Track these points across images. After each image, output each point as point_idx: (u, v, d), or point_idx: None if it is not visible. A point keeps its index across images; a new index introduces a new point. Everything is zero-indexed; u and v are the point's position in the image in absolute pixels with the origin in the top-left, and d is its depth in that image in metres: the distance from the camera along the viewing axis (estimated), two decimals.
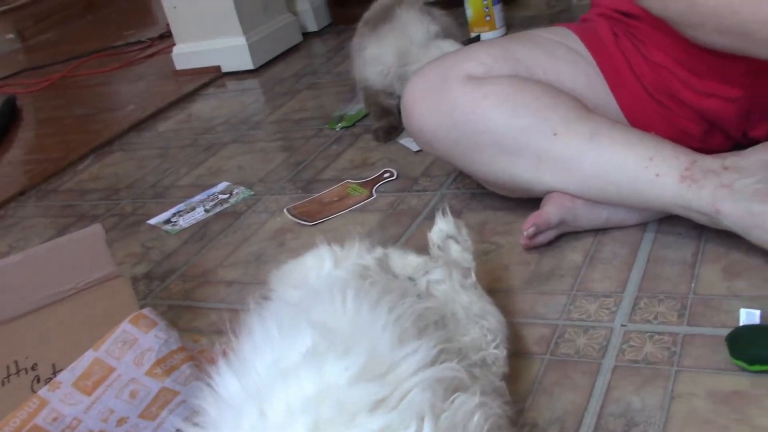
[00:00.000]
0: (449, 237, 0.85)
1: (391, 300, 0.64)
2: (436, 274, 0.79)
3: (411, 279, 0.80)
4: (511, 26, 2.00)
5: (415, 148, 1.41)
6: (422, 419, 0.53)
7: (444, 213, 0.87)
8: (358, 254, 0.79)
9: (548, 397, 0.76)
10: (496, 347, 0.73)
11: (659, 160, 0.92)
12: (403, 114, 1.10)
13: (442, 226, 0.86)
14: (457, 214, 1.16)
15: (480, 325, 0.75)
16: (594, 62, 1.08)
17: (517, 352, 0.83)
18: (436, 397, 0.56)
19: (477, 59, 1.05)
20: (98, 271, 0.93)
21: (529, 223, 0.99)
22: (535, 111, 1.00)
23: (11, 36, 4.03)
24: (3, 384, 0.84)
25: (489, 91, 1.02)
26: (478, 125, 1.01)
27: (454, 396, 0.57)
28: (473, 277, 0.82)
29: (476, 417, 0.56)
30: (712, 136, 1.06)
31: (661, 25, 1.03)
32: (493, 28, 1.93)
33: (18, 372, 0.85)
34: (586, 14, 1.19)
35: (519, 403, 0.75)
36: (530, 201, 1.06)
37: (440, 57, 1.13)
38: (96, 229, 0.95)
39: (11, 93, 2.60)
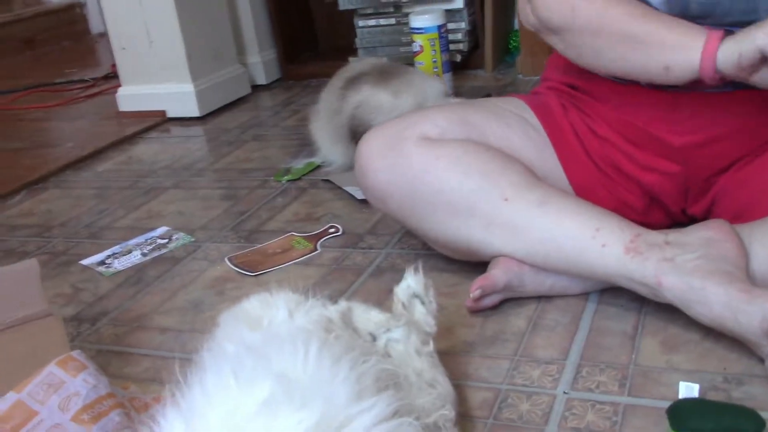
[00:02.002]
0: (415, 296, 0.84)
1: (354, 357, 0.63)
2: (397, 333, 0.78)
3: (371, 335, 0.79)
4: (458, 95, 2.04)
5: (359, 196, 1.41)
6: None
7: (416, 270, 0.86)
8: (320, 305, 0.78)
9: None
10: (446, 410, 0.72)
11: (606, 231, 0.94)
12: (356, 168, 1.10)
13: (411, 283, 0.85)
14: (401, 272, 1.15)
15: (429, 392, 0.74)
16: (544, 132, 1.11)
17: (460, 414, 0.82)
18: None
19: (433, 121, 1.07)
20: (29, 308, 0.88)
21: (476, 286, 0.99)
22: (486, 174, 1.02)
23: None
24: None
25: (442, 153, 1.03)
26: (430, 185, 1.02)
27: None
28: (431, 345, 0.81)
29: None
30: (653, 211, 1.10)
31: (605, 99, 1.07)
32: None
33: None
34: (537, 87, 1.23)
35: None
36: (476, 265, 1.07)
37: (397, 117, 1.15)
38: (31, 264, 0.91)
39: None
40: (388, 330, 0.79)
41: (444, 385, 0.78)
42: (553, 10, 1.00)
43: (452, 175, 1.02)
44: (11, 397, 0.80)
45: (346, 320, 0.79)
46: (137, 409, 0.88)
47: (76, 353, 0.85)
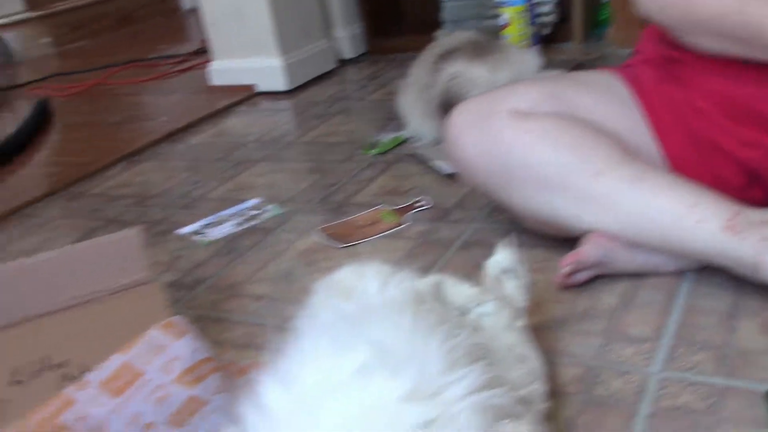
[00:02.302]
0: (507, 271, 0.84)
1: (446, 330, 0.64)
2: (488, 307, 0.79)
3: (462, 309, 0.79)
4: (546, 68, 2.01)
5: (447, 170, 1.41)
6: None
7: (507, 244, 0.86)
8: (411, 277, 0.79)
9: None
10: (536, 385, 0.73)
11: (702, 207, 0.92)
12: (446, 142, 1.10)
13: (502, 257, 0.85)
14: (490, 247, 1.15)
15: (519, 366, 0.75)
16: (638, 107, 1.08)
17: (551, 390, 0.82)
18: (486, 422, 0.55)
19: (524, 95, 1.06)
20: (133, 274, 0.93)
21: (566, 261, 0.98)
22: (578, 149, 1.00)
23: (46, 40, 4.09)
24: (31, 378, 0.84)
25: (533, 127, 1.02)
26: (520, 159, 1.01)
27: (504, 422, 0.57)
28: (522, 320, 0.81)
29: None
30: (753, 189, 1.06)
31: (707, 71, 1.04)
32: None
33: (49, 368, 0.84)
34: (630, 60, 1.20)
35: None
36: (565, 240, 1.06)
37: (485, 92, 1.14)
38: (133, 233, 0.95)
39: (44, 96, 2.63)
40: (479, 304, 0.79)
41: (534, 360, 0.78)
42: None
43: (543, 149, 1.01)
44: (118, 358, 0.84)
45: (437, 293, 0.79)
46: (235, 374, 0.92)
47: (176, 319, 0.88)
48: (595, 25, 2.31)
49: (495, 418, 0.57)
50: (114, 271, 0.92)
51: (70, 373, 0.83)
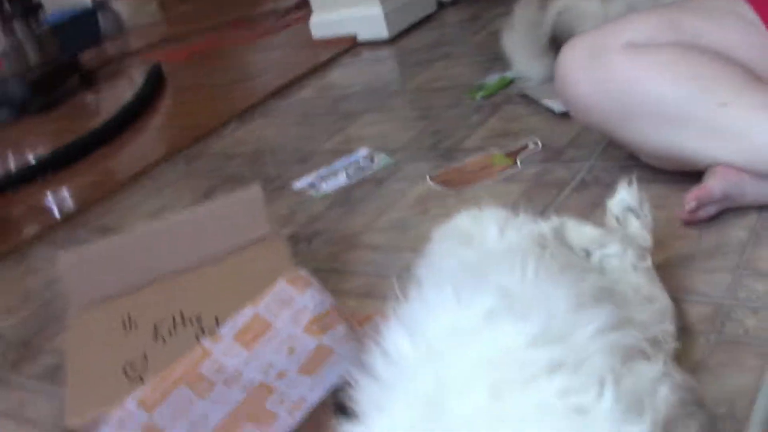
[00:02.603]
0: (630, 210, 0.82)
1: (573, 275, 0.63)
2: (612, 249, 0.77)
3: (585, 251, 0.78)
4: None
5: (557, 109, 1.38)
6: (602, 384, 0.52)
7: (629, 183, 0.84)
8: (531, 220, 0.78)
9: (715, 377, 0.73)
10: (666, 325, 0.71)
11: None
12: (556, 81, 1.07)
13: (625, 196, 0.83)
14: (607, 186, 1.12)
15: (647, 307, 0.73)
16: (764, 30, 1.02)
17: (680, 329, 0.80)
18: (617, 363, 0.55)
19: (639, 27, 1.01)
20: (257, 231, 0.96)
21: (691, 197, 0.95)
22: (700, 80, 0.96)
23: (153, 8, 4.22)
24: (170, 333, 0.89)
25: (650, 60, 0.98)
26: (638, 95, 0.98)
27: (636, 362, 0.56)
28: (648, 260, 0.79)
29: (663, 389, 0.54)
30: None
31: None
32: None
33: (183, 322, 0.89)
34: None
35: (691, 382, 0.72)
36: (686, 174, 1.02)
37: (598, 27, 1.10)
38: (255, 191, 0.98)
39: (156, 61, 2.73)
40: (603, 245, 0.78)
41: (662, 300, 0.76)
42: None
43: (662, 83, 0.97)
44: (250, 310, 0.88)
45: (559, 236, 0.78)
46: (358, 323, 0.94)
47: (302, 271, 0.91)
48: None
49: (625, 358, 0.56)
50: (239, 228, 0.96)
51: (206, 326, 0.88)
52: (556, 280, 0.62)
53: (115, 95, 2.66)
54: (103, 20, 3.74)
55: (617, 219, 0.83)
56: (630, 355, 0.57)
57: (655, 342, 0.70)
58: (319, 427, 0.77)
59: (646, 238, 0.81)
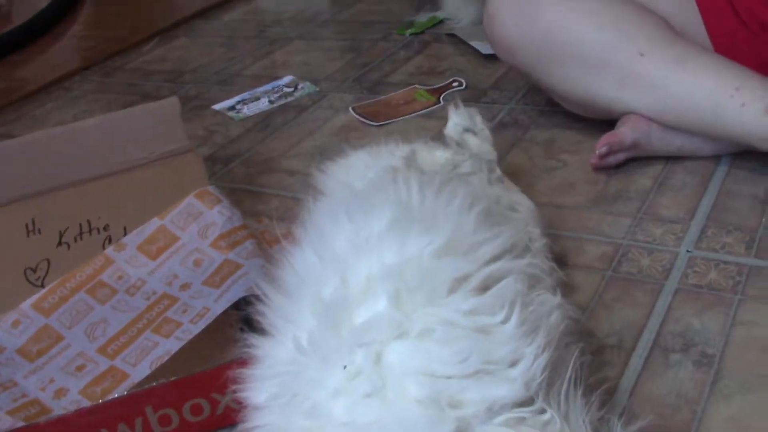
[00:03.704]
0: (466, 130, 0.85)
1: (453, 188, 0.65)
2: (466, 167, 0.79)
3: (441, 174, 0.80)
4: None
5: (485, 51, 1.39)
6: (511, 308, 0.54)
7: (456, 105, 0.87)
8: (389, 153, 0.80)
9: (607, 311, 0.77)
10: (531, 227, 0.74)
11: (746, 90, 0.90)
12: (485, 19, 1.08)
13: (457, 119, 0.86)
14: (524, 128, 1.15)
15: (512, 216, 0.76)
16: None
17: (578, 265, 0.84)
18: (524, 289, 0.57)
19: None
20: (172, 143, 0.94)
21: (602, 142, 0.98)
22: (622, 28, 0.98)
23: None
24: (75, 240, 0.87)
25: (576, 5, 1.00)
26: (562, 37, 0.99)
27: (538, 292, 0.58)
28: (498, 171, 0.82)
29: (553, 316, 0.57)
30: None
31: None
32: None
33: (90, 231, 0.87)
34: None
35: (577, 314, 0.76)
36: (601, 122, 1.05)
37: None
38: (172, 102, 0.96)
39: None
40: (456, 166, 0.80)
41: (525, 204, 0.79)
42: None
43: (586, 27, 0.98)
44: (155, 222, 0.87)
45: (411, 163, 0.80)
46: (268, 242, 0.94)
47: (211, 188, 0.90)
48: None
49: (530, 284, 0.59)
50: (153, 139, 0.94)
51: (114, 236, 0.86)
52: (448, 197, 0.63)
53: (30, 1, 2.53)
54: None
55: (457, 143, 0.85)
56: (532, 282, 0.60)
57: (525, 245, 0.71)
58: (224, 341, 0.77)
59: (488, 151, 0.84)
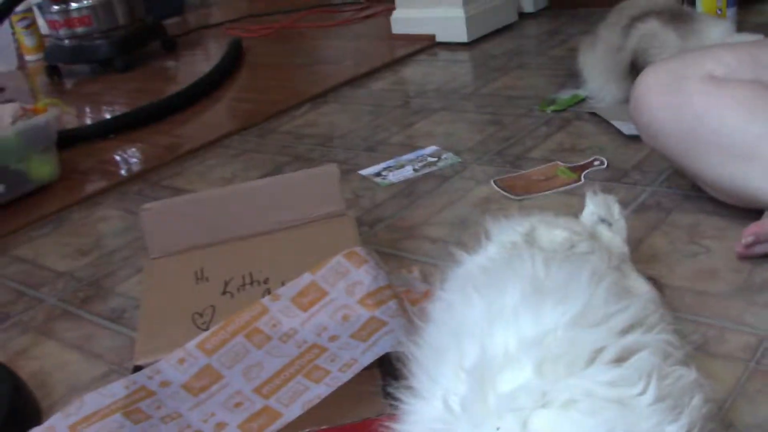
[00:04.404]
0: (601, 220, 0.86)
1: (577, 263, 0.67)
2: (582, 247, 0.81)
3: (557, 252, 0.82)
4: (741, 31, 1.92)
5: (627, 131, 1.41)
6: (648, 380, 0.56)
7: (594, 192, 0.87)
8: (506, 232, 0.83)
9: (750, 402, 0.76)
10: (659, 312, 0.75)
11: None
12: (631, 104, 1.11)
13: (593, 208, 0.87)
14: (667, 211, 1.15)
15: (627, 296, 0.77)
16: None
17: (719, 354, 0.83)
18: (660, 361, 0.59)
19: (720, 59, 1.04)
20: (330, 206, 1.02)
21: (749, 231, 0.97)
22: None
23: None
24: (238, 290, 0.95)
25: (728, 93, 1.01)
26: (710, 125, 1.00)
27: (674, 367, 0.60)
28: (629, 264, 0.82)
29: (696, 398, 0.58)
30: None
31: None
32: None
33: (252, 282, 0.95)
34: None
35: (717, 403, 0.76)
36: (748, 210, 1.05)
37: (679, 54, 1.13)
38: (331, 169, 1.04)
39: (237, 36, 2.81)
40: (573, 246, 0.81)
41: (642, 289, 0.79)
42: None
43: (736, 116, 0.99)
44: (307, 277, 0.94)
45: (530, 241, 0.82)
46: (411, 301, 0.99)
47: (358, 249, 0.97)
48: None
49: (665, 358, 0.60)
50: (313, 201, 1.02)
51: (271, 289, 0.94)
52: (575, 271, 0.66)
53: (194, 64, 2.75)
54: None
55: (590, 234, 0.86)
56: (667, 355, 0.61)
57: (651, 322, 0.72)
58: (366, 395, 0.82)
59: (619, 245, 0.84)
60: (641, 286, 0.84)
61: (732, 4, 1.88)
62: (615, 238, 0.87)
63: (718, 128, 1.00)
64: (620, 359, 0.59)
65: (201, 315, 0.91)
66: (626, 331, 0.62)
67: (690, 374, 0.61)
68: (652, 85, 1.07)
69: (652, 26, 1.48)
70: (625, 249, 0.87)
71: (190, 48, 2.96)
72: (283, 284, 0.93)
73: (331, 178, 1.03)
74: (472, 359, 0.61)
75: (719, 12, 1.86)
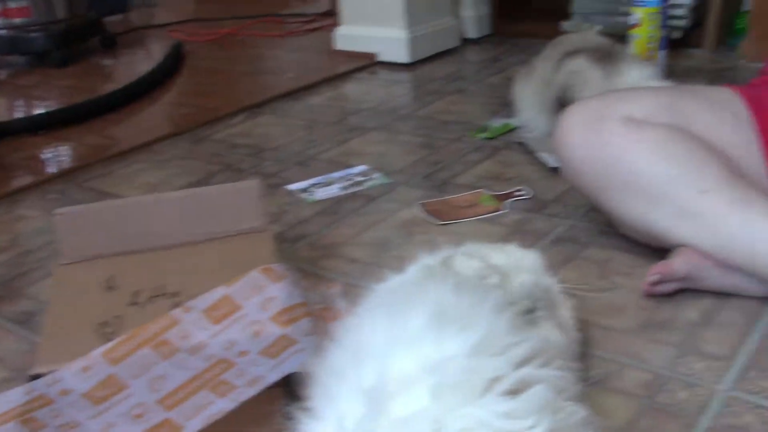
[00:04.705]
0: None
1: (485, 291, 0.69)
2: (493, 279, 0.83)
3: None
4: (671, 74, 1.99)
5: (552, 163, 1.44)
6: (541, 414, 0.57)
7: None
8: (428, 257, 0.86)
9: None
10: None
11: None
12: (554, 138, 1.13)
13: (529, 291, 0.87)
14: (582, 246, 1.19)
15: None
16: (754, 129, 1.08)
17: (617, 389, 0.86)
18: (553, 396, 0.60)
19: (640, 102, 1.08)
20: (249, 222, 1.01)
21: (654, 271, 1.01)
22: (688, 164, 1.02)
23: None
24: (147, 302, 0.93)
25: (645, 136, 1.04)
26: (626, 166, 1.04)
27: (566, 403, 0.61)
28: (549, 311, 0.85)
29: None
30: None
31: None
32: None
33: (162, 295, 0.94)
34: (755, 79, 1.19)
35: None
36: (657, 249, 1.08)
37: (604, 94, 1.16)
38: (254, 184, 1.04)
39: (180, 39, 2.78)
40: (484, 278, 0.84)
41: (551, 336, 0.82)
42: None
43: (651, 159, 1.03)
44: (221, 290, 0.93)
45: (447, 266, 0.84)
46: (326, 319, 0.99)
47: (276, 265, 0.96)
48: (729, 35, 2.25)
49: (557, 393, 0.62)
50: (232, 216, 1.01)
51: (181, 303, 0.92)
52: (481, 299, 0.67)
53: (133, 64, 2.71)
54: None
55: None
56: (561, 390, 0.63)
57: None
58: (267, 413, 0.82)
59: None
60: (550, 334, 0.85)
61: (663, 47, 1.95)
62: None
63: (632, 169, 1.03)
64: (516, 391, 0.60)
65: (107, 325, 0.90)
66: (524, 362, 0.63)
67: (581, 411, 0.62)
68: (574, 123, 1.10)
69: (579, 63, 1.53)
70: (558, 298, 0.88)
71: (130, 47, 2.92)
72: (194, 297, 0.92)
73: (253, 194, 1.02)
74: (370, 382, 0.62)
75: (651, 53, 1.92)
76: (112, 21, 3.20)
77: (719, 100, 1.12)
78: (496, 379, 0.60)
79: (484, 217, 1.30)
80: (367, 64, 2.34)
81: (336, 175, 1.53)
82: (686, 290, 1.03)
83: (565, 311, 0.89)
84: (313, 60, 2.49)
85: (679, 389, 0.86)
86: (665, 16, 1.94)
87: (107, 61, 2.75)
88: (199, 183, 1.56)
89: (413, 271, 0.86)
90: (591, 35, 1.64)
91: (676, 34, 2.13)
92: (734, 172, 1.03)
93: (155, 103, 2.18)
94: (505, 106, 1.82)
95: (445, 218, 1.31)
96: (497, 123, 1.74)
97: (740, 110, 1.10)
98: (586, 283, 1.08)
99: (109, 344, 0.87)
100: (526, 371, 0.62)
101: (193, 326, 0.90)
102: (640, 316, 1.00)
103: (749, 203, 0.98)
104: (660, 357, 0.91)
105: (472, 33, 2.53)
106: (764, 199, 0.99)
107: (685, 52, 2.18)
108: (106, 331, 0.90)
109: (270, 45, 2.75)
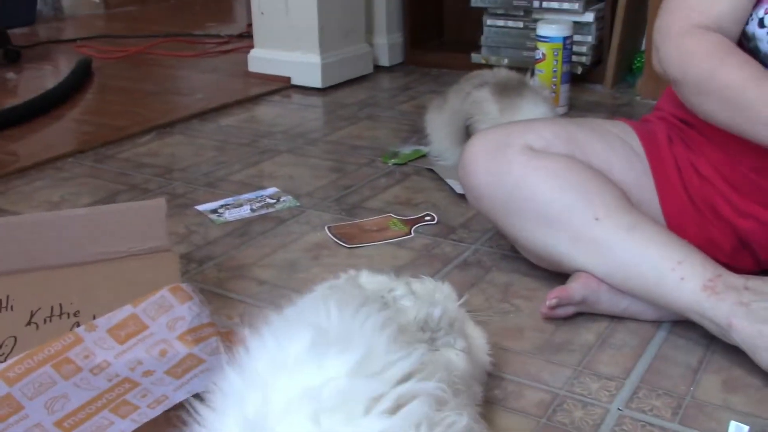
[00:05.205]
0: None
1: (372, 308, 0.71)
2: (399, 290, 0.85)
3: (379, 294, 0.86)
4: (573, 107, 2.08)
5: (459, 190, 1.47)
6: (419, 430, 0.58)
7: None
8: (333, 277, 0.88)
9: None
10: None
11: (687, 265, 0.98)
12: (459, 166, 1.17)
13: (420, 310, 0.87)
14: (486, 270, 1.22)
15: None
16: (646, 161, 1.14)
17: (515, 409, 0.88)
18: (432, 411, 0.62)
19: (539, 133, 1.12)
20: (152, 241, 1.00)
21: (553, 295, 1.04)
22: (582, 192, 1.07)
23: (97, 1, 4.18)
24: (45, 322, 0.91)
25: (543, 164, 1.09)
26: (526, 193, 1.08)
27: (445, 414, 0.63)
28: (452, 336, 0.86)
29: None
30: (741, 255, 1.12)
31: (714, 138, 1.10)
32: (556, 104, 2.01)
33: (61, 314, 0.91)
34: (648, 115, 1.26)
35: None
36: (557, 274, 1.12)
37: (506, 124, 1.20)
38: (159, 203, 1.02)
39: (88, 55, 2.71)
40: (392, 290, 0.86)
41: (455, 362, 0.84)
42: (671, 63, 1.03)
43: (549, 187, 1.07)
44: (128, 309, 0.92)
45: (353, 283, 0.86)
46: (233, 342, 0.98)
47: (184, 285, 0.95)
48: (628, 72, 2.37)
49: (437, 406, 0.63)
50: (136, 235, 0.99)
51: (82, 322, 0.90)
52: (362, 317, 0.69)
53: (37, 78, 2.63)
54: (41, 0, 3.68)
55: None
56: (442, 403, 0.65)
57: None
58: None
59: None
60: (456, 359, 0.87)
61: (565, 81, 2.03)
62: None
63: (531, 196, 1.07)
64: (398, 407, 0.62)
65: (0, 346, 0.87)
66: (405, 379, 0.65)
67: (462, 420, 0.64)
68: (478, 151, 1.13)
69: (482, 95, 1.58)
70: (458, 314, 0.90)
71: (36, 61, 2.83)
72: (94, 318, 0.90)
73: (158, 213, 1.01)
74: (253, 411, 0.62)
75: (554, 87, 2.00)
76: (18, 33, 3.09)
77: (615, 133, 1.17)
78: (376, 399, 0.61)
79: (393, 241, 1.32)
80: (281, 87, 2.34)
81: (246, 196, 1.52)
82: (583, 314, 1.07)
83: (479, 339, 0.91)
84: (227, 81, 2.48)
85: (575, 408, 0.89)
86: (569, 53, 2.03)
87: (10, 75, 2.65)
88: (103, 202, 1.52)
89: (318, 291, 0.87)
90: (504, 70, 1.69)
91: (579, 70, 2.23)
92: (625, 199, 1.08)
93: (60, 119, 2.12)
94: (415, 132, 1.86)
95: (353, 242, 1.32)
96: (407, 149, 1.77)
97: (634, 144, 1.16)
98: (490, 307, 1.11)
99: (7, 363, 0.84)
100: (405, 387, 0.63)
101: (96, 345, 0.88)
102: (539, 339, 1.03)
103: (637, 229, 1.03)
104: (557, 377, 0.95)
105: (384, 61, 2.58)
106: (655, 226, 1.05)
107: (587, 87, 2.28)
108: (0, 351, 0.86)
109: (182, 65, 2.72)
